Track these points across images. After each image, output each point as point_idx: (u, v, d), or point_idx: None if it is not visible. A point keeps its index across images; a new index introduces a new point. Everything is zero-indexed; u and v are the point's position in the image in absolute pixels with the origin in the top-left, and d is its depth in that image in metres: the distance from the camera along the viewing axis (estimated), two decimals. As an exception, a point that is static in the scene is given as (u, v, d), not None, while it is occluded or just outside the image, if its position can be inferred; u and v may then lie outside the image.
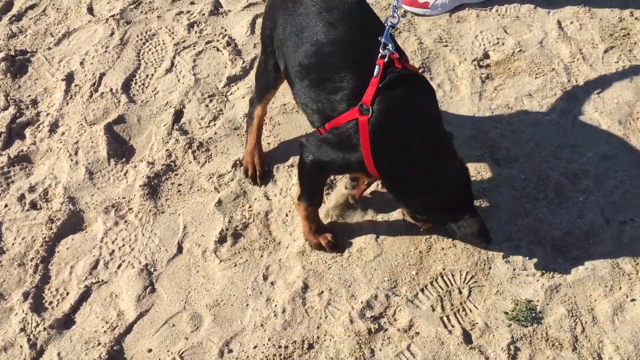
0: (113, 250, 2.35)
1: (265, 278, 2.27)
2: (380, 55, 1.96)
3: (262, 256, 2.33)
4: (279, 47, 2.19)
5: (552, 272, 2.27)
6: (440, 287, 2.24)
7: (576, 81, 2.90)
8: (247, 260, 2.32)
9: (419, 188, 2.09)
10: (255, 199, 2.49)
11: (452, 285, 2.25)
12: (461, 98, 2.83)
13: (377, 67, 1.93)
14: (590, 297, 2.21)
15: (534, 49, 3.05)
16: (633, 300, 2.19)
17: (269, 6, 2.27)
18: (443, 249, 2.34)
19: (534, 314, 2.16)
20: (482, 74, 2.93)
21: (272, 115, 2.77)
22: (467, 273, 2.27)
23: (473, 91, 2.86)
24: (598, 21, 3.18)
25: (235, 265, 2.30)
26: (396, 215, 2.44)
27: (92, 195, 2.51)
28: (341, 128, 2.00)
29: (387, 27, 1.99)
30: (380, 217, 2.43)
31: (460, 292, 2.23)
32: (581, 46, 3.06)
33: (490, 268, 2.29)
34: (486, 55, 3.03)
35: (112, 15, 3.22)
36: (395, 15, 2.04)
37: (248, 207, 2.47)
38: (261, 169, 2.54)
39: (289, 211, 2.45)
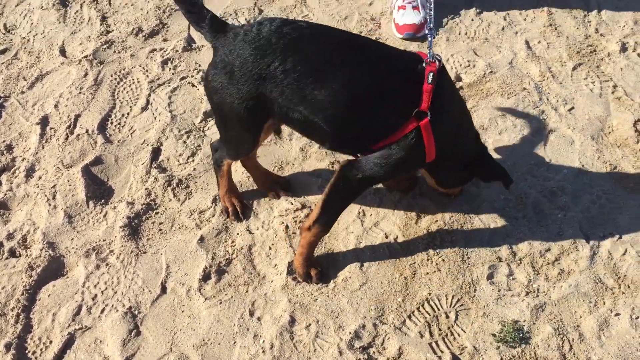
0: (96, 295, 2.31)
1: (251, 314, 2.25)
2: (425, 62, 2.06)
3: (247, 291, 2.31)
4: (286, 117, 2.11)
5: (536, 291, 2.28)
6: (427, 312, 2.24)
7: (547, 99, 2.96)
8: (232, 297, 2.30)
9: (459, 158, 2.29)
10: (238, 234, 2.48)
11: (439, 310, 2.25)
12: (436, 121, 2.86)
13: (430, 74, 2.03)
14: (575, 314, 2.23)
15: (504, 69, 3.11)
16: (617, 314, 2.21)
17: (235, 85, 2.08)
18: (428, 273, 2.34)
19: (521, 335, 2.17)
20: (456, 96, 2.97)
21: (250, 149, 2.78)
22: (452, 297, 2.28)
23: (448, 114, 2.89)
24: (565, 39, 3.26)
25: (220, 303, 2.28)
26: (379, 240, 2.45)
27: (72, 239, 2.48)
28: (404, 139, 2.08)
29: (429, 38, 2.19)
30: (363, 245, 2.44)
31: (447, 317, 2.23)
32: (550, 64, 3.13)
33: (475, 290, 2.30)
34: (458, 78, 3.08)
35: (85, 56, 3.21)
36: (433, 31, 2.26)
37: (231, 242, 2.46)
38: (241, 204, 2.53)
39: (272, 244, 2.44)
